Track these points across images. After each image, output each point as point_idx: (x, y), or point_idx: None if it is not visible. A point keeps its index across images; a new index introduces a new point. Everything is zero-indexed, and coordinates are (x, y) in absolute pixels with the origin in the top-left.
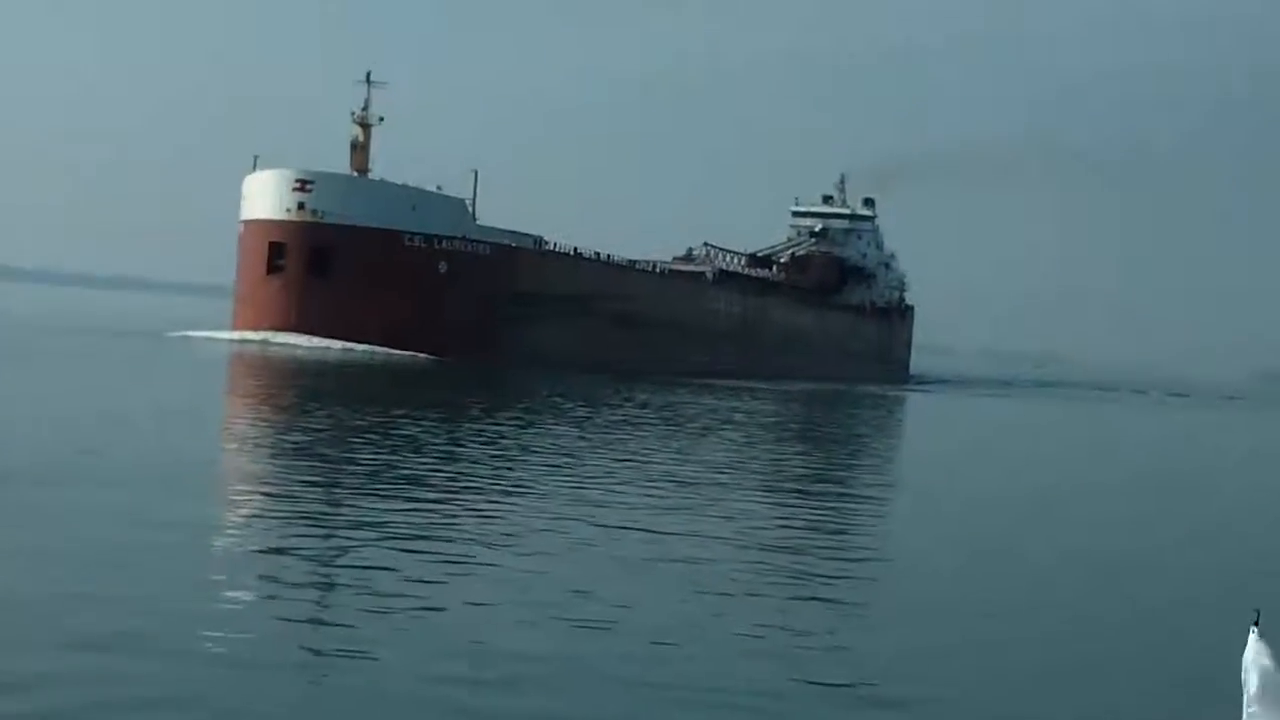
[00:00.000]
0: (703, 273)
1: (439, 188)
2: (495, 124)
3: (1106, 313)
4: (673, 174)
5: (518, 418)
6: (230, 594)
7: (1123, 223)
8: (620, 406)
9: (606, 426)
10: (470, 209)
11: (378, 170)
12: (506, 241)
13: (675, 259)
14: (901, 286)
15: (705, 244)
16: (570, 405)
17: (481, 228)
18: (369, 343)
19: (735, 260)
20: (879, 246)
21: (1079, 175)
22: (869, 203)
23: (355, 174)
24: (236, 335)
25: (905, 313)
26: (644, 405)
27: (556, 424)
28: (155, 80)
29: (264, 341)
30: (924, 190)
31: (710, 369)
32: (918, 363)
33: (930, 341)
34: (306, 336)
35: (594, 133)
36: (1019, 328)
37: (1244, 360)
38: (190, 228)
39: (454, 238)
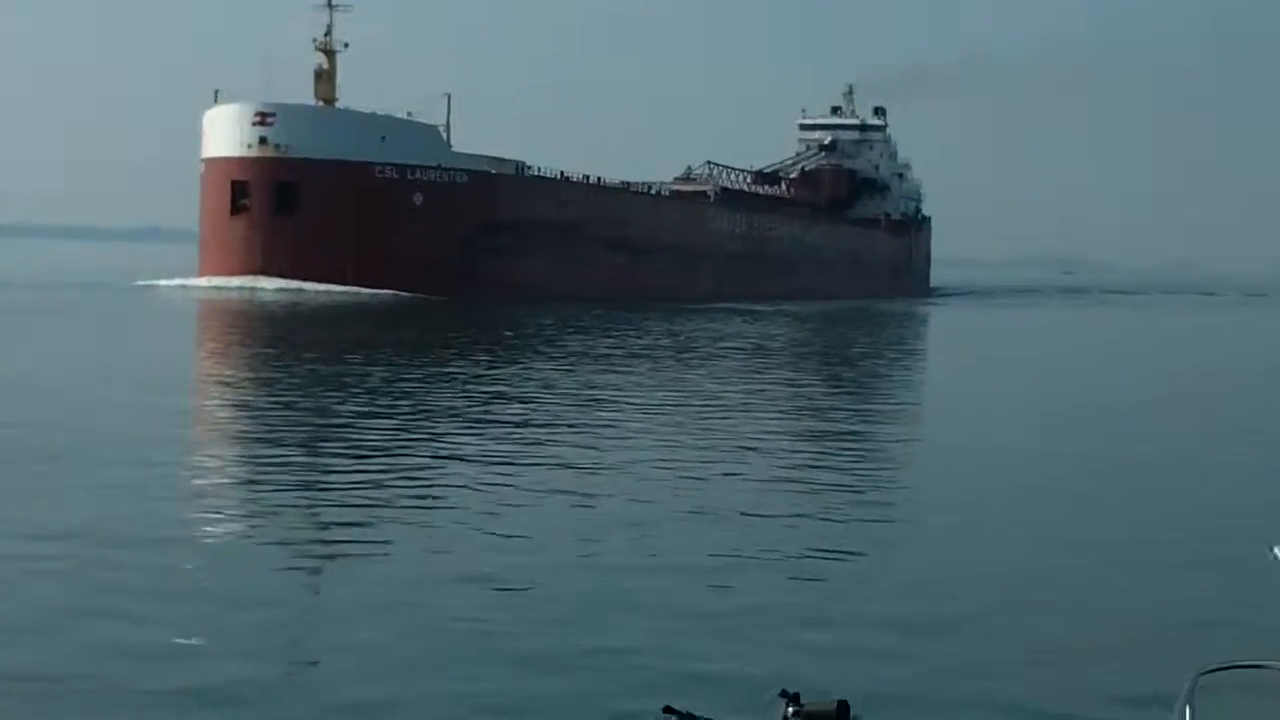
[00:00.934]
0: (704, 192)
1: (410, 115)
2: (473, 49)
3: (1134, 215)
4: (669, 98)
5: (495, 356)
6: None
7: (1152, 126)
8: (618, 336)
9: (600, 360)
10: (445, 136)
11: (345, 101)
12: (485, 168)
13: (676, 179)
14: (918, 198)
15: (707, 163)
16: (557, 339)
17: (458, 155)
18: (342, 283)
19: (740, 178)
20: (892, 157)
21: (1102, 80)
22: (880, 112)
23: (321, 105)
24: (204, 282)
25: (923, 224)
26: (644, 333)
27: (541, 362)
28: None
29: (232, 287)
30: (938, 100)
31: (716, 293)
32: (939, 276)
33: (954, 254)
34: (276, 279)
35: (579, 55)
36: (1045, 235)
37: (1268, 254)
38: (154, 168)
39: (428, 166)
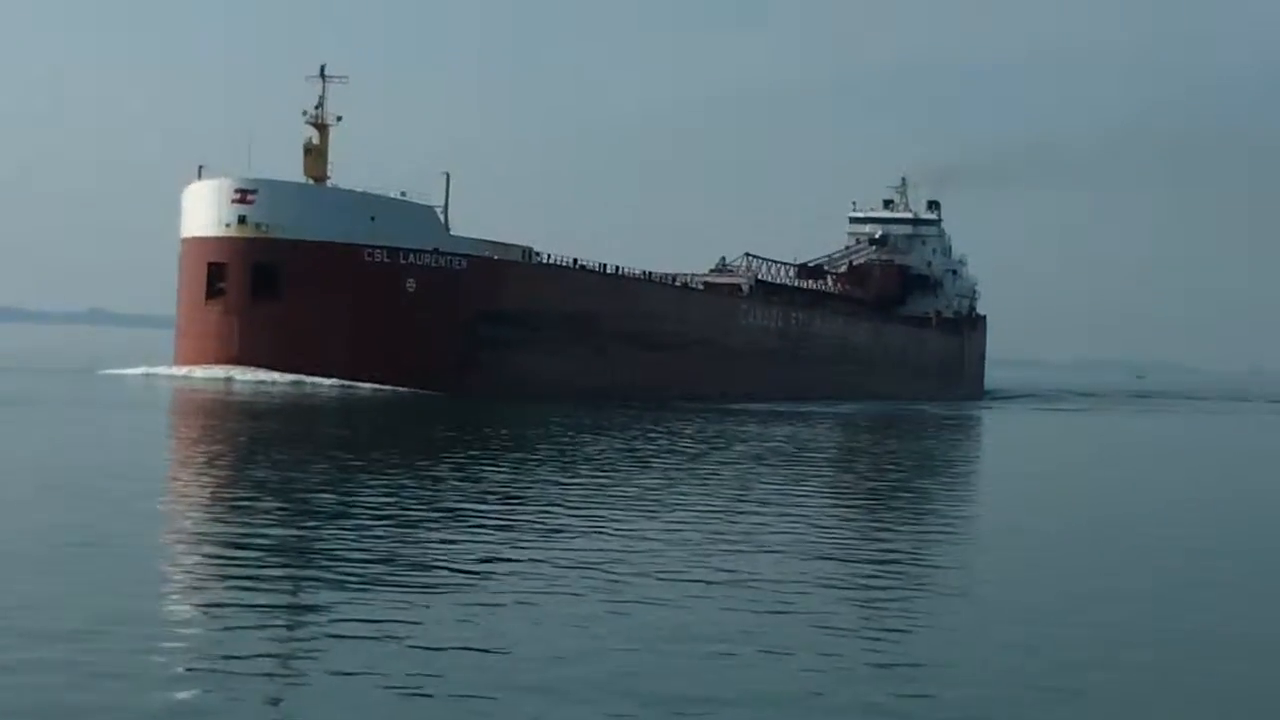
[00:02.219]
0: (738, 285)
1: (403, 194)
2: (484, 124)
3: (1217, 316)
4: (703, 186)
5: (506, 456)
6: None
7: (1233, 219)
8: (632, 437)
9: (605, 464)
10: (442, 217)
11: (338, 179)
12: (486, 253)
13: (711, 271)
14: (972, 295)
15: (746, 254)
16: (565, 439)
17: (456, 238)
18: (327, 375)
19: (780, 271)
20: (945, 252)
21: (1183, 169)
22: (934, 206)
23: (311, 182)
24: (177, 371)
25: (977, 323)
26: (640, 434)
27: (538, 465)
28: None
29: (203, 378)
30: (999, 190)
31: (748, 393)
32: (998, 377)
33: (1016, 354)
34: (254, 370)
35: (604, 137)
36: (1115, 336)
37: None
38: (137, 253)
39: (423, 250)
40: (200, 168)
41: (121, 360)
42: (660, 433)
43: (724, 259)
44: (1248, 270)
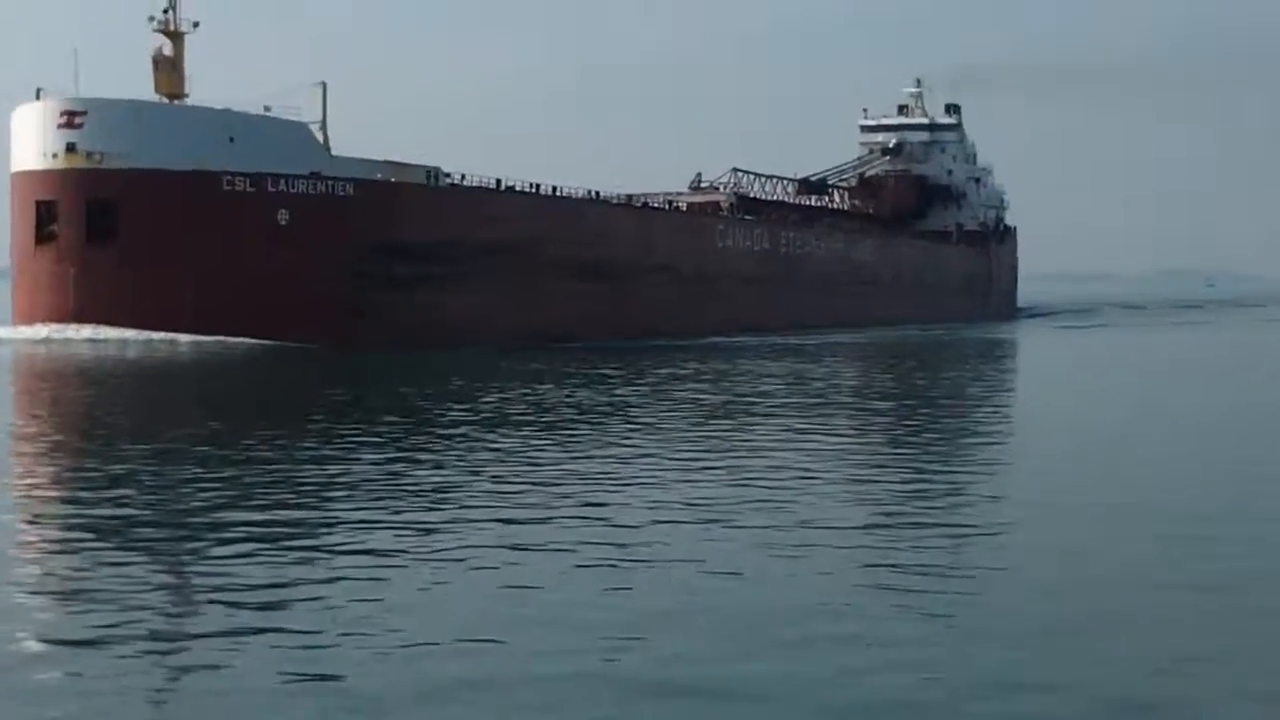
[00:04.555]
0: (715, 203)
1: (267, 109)
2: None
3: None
4: (685, 100)
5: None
6: None
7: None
8: (552, 391)
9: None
10: (320, 135)
11: (198, 97)
12: (378, 175)
13: (692, 188)
14: (1000, 205)
15: (732, 169)
16: (482, 395)
17: (339, 159)
18: (181, 330)
19: (776, 187)
20: (968, 160)
21: (1238, 75)
22: (953, 109)
23: (165, 101)
24: (18, 333)
25: (1005, 235)
26: (577, 383)
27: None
28: None
29: (37, 339)
30: (1027, 97)
31: (726, 325)
32: (1050, 291)
33: (1084, 268)
34: (91, 327)
35: (557, 46)
36: (1186, 247)
37: None
38: None
39: (296, 175)
40: (39, 90)
41: None
42: (591, 379)
43: (700, 175)
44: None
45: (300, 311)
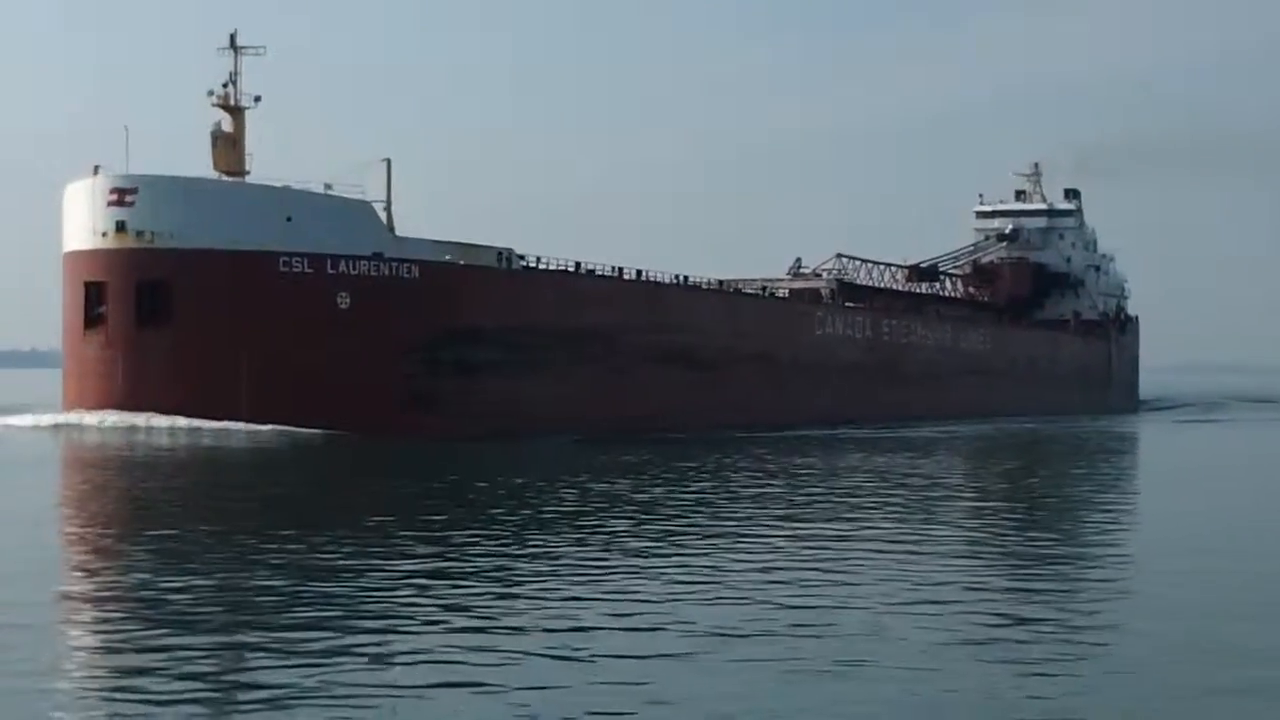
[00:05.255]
0: (816, 290)
1: (328, 187)
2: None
3: None
4: (795, 200)
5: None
6: None
7: None
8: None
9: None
10: (384, 215)
11: (259, 174)
12: (446, 256)
13: (791, 273)
14: (1121, 294)
15: (837, 255)
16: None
17: (404, 240)
18: (235, 418)
19: (886, 274)
20: (1087, 247)
21: None
22: (1072, 194)
23: (223, 179)
24: (57, 419)
25: (1126, 325)
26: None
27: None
28: None
29: (83, 427)
30: (1150, 182)
31: (825, 416)
32: (1162, 384)
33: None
34: (138, 415)
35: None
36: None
37: None
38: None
39: (358, 256)
40: (96, 167)
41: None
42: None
43: (799, 260)
44: None
45: (361, 399)
